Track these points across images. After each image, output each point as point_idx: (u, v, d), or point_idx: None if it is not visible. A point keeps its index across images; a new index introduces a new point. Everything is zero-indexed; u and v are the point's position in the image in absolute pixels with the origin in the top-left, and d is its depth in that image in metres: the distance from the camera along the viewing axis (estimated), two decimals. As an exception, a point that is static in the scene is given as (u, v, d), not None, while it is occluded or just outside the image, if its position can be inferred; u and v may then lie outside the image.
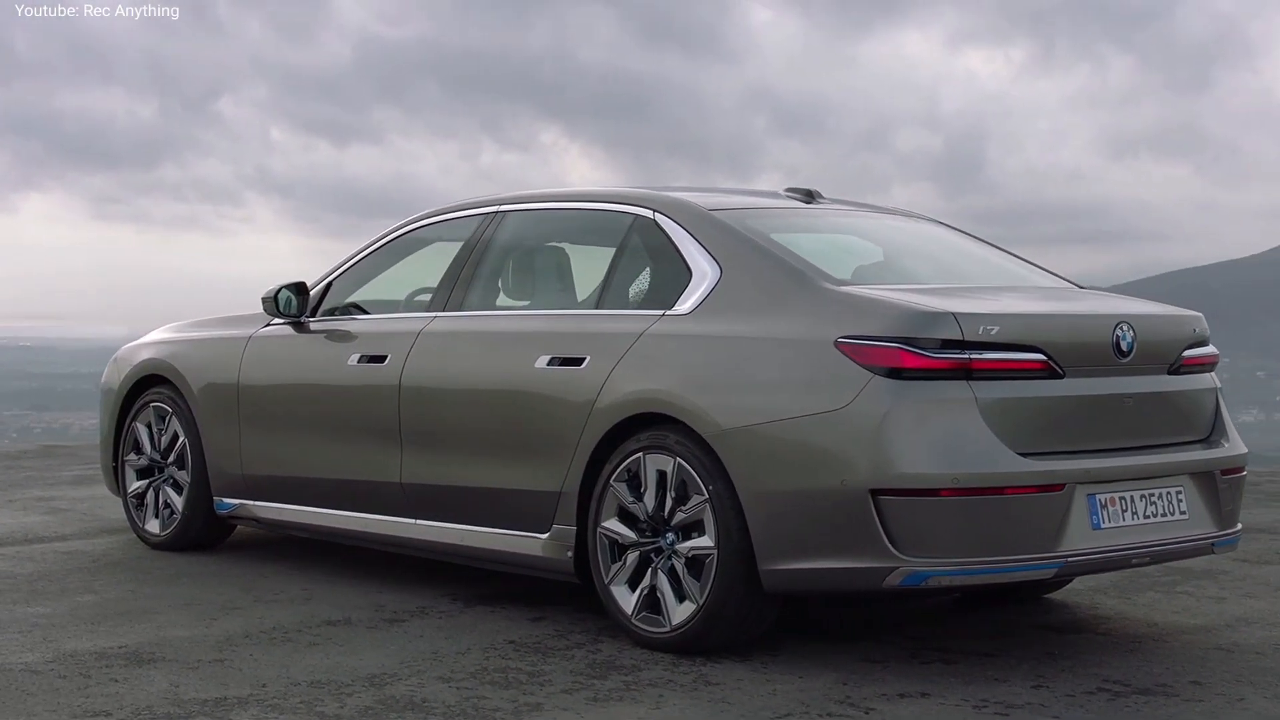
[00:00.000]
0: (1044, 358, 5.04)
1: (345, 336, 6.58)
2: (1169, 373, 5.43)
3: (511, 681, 4.89)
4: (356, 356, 6.43)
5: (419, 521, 6.15)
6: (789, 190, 6.34)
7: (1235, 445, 5.56)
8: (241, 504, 6.93)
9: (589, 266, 6.28)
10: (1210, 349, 5.64)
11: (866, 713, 4.57)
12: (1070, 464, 5.00)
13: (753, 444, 5.05)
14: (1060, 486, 4.93)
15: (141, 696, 4.66)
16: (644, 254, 5.84)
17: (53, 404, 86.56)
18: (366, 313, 6.72)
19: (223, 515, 7.04)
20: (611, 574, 5.41)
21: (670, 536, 5.27)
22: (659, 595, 5.27)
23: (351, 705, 4.59)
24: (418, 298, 6.68)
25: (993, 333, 4.93)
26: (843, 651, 5.30)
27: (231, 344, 7.05)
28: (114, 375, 7.61)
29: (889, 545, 4.81)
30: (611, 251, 5.95)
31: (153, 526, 7.26)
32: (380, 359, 6.32)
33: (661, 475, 5.28)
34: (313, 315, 6.80)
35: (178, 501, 7.15)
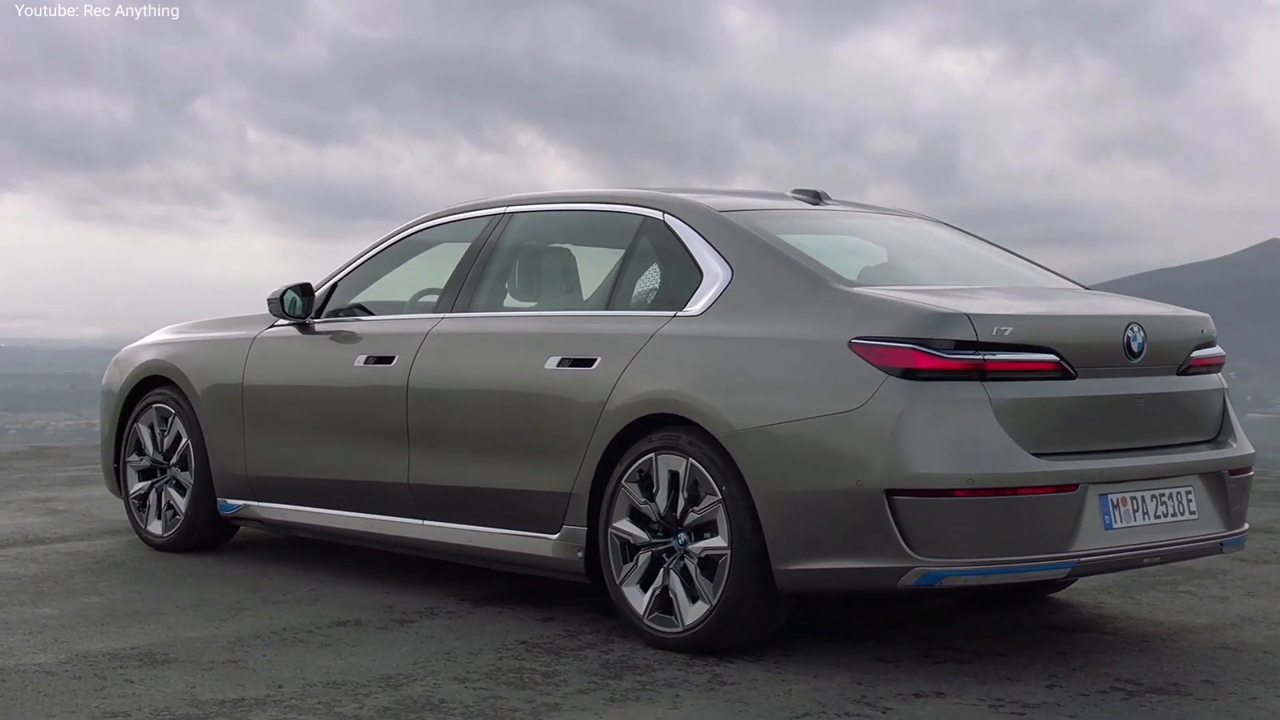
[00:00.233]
0: (1056, 358, 5.06)
1: (351, 338, 6.58)
2: (1178, 373, 5.47)
3: (527, 682, 4.89)
4: (363, 357, 6.43)
5: (426, 522, 6.15)
6: (796, 191, 6.35)
7: (1243, 445, 5.59)
8: (245, 505, 6.92)
9: (595, 268, 6.29)
10: (1217, 349, 5.66)
11: (884, 712, 4.59)
12: (1083, 464, 5.03)
13: (766, 445, 5.06)
14: (1074, 487, 4.96)
15: (159, 697, 4.66)
16: (654, 255, 5.85)
17: (28, 405, 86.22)
18: (372, 314, 6.72)
19: (226, 516, 7.03)
20: (623, 574, 5.42)
21: (682, 537, 5.28)
22: (671, 595, 5.28)
23: (370, 705, 4.59)
24: (423, 299, 6.68)
25: (1006, 333, 4.95)
26: (854, 651, 5.31)
27: (236, 345, 7.04)
28: (115, 377, 7.59)
29: (904, 545, 4.83)
30: (620, 253, 5.96)
31: (155, 527, 7.25)
32: (388, 360, 6.31)
33: (673, 476, 5.29)
34: (318, 316, 6.80)
35: (181, 502, 7.14)
